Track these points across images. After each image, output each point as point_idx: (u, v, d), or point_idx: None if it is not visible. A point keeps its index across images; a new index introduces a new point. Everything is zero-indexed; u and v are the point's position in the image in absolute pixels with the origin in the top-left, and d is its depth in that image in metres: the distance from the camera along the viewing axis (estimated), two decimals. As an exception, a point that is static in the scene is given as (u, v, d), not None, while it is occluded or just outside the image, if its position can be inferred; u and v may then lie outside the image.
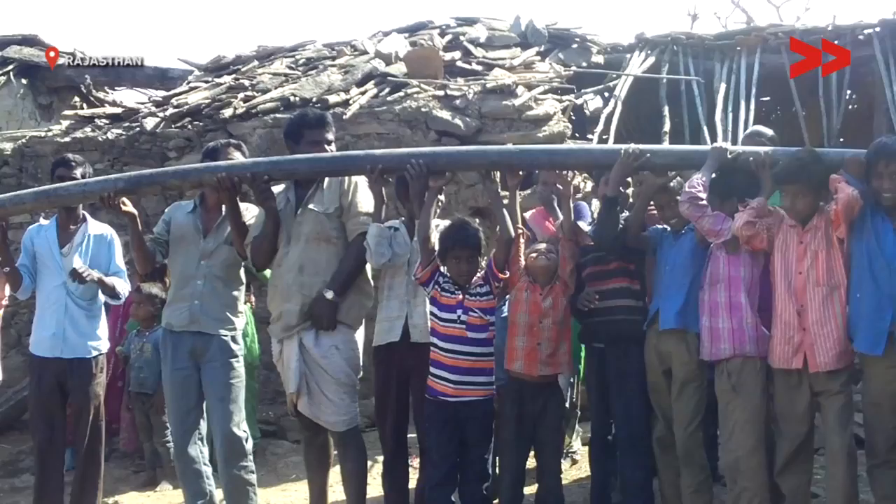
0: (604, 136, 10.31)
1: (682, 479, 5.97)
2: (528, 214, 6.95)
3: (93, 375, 6.89)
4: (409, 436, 6.40)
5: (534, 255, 6.09)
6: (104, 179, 6.69)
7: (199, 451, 6.62)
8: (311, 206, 6.34)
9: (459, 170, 6.41)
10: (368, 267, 6.36)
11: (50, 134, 10.99)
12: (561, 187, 6.15)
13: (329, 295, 6.17)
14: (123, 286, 6.96)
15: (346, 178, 6.36)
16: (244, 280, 6.74)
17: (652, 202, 6.11)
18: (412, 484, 6.43)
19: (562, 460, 6.59)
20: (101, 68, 14.15)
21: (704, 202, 5.64)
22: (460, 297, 5.95)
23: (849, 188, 5.31)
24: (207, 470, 6.64)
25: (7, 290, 7.19)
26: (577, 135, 10.67)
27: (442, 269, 6.00)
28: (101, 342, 6.97)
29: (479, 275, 6.04)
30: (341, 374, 6.21)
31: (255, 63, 12.37)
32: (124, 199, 6.39)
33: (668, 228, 6.07)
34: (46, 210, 6.82)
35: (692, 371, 5.87)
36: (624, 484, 6.22)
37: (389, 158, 6.24)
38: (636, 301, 6.20)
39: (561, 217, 6.17)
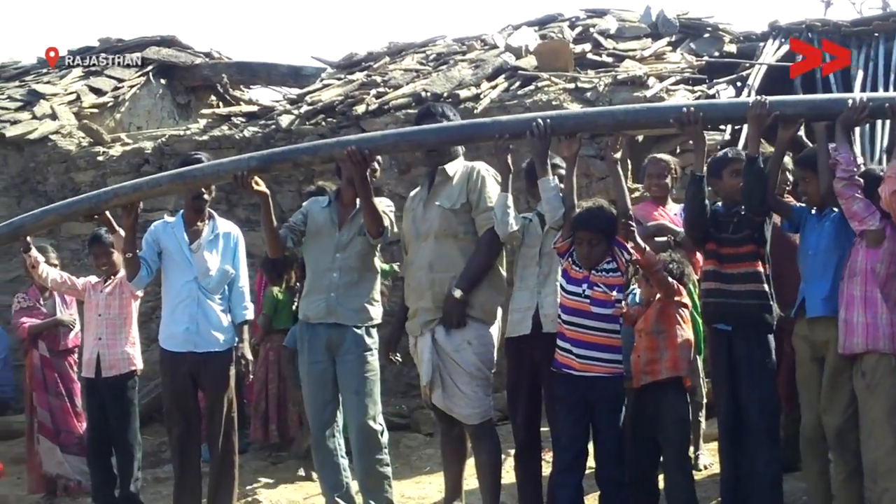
0: (736, 127, 10.15)
1: (834, 467, 5.85)
2: (635, 206, 6.85)
3: (225, 368, 7.02)
4: (542, 429, 6.41)
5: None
6: (237, 159, 6.84)
7: (337, 443, 6.69)
8: (437, 202, 6.39)
9: (586, 130, 6.31)
10: (503, 261, 6.38)
11: (188, 132, 11.24)
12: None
13: (457, 293, 6.21)
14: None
15: (474, 173, 6.40)
16: (379, 270, 6.81)
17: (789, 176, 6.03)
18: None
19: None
20: (236, 67, 14.42)
21: (861, 183, 5.52)
22: (587, 271, 5.94)
23: None
24: (344, 462, 6.71)
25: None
26: (709, 126, 10.52)
27: None
28: (233, 336, 7.09)
29: None
30: (473, 368, 6.25)
31: (387, 59, 12.46)
32: (257, 179, 6.50)
33: (813, 210, 5.94)
34: (182, 193, 6.96)
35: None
36: (755, 479, 6.04)
37: (516, 123, 6.23)
38: (766, 286, 6.06)
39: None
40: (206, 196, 7.06)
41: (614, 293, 5.94)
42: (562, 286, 5.99)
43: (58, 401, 8.48)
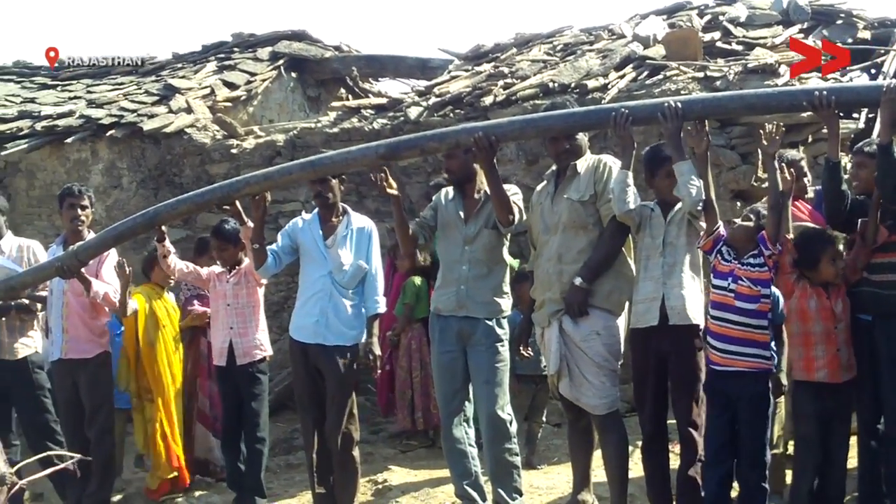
0: (870, 115, 9.95)
1: None
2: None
3: (349, 362, 7.10)
4: (668, 421, 6.39)
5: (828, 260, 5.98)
6: (366, 147, 6.92)
7: (465, 432, 6.76)
8: (566, 195, 6.41)
9: (715, 115, 6.21)
10: (631, 252, 6.37)
11: (319, 125, 11.38)
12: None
13: (577, 281, 6.23)
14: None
15: (601, 165, 6.42)
16: (509, 262, 6.84)
17: None
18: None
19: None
20: (365, 60, 14.56)
21: None
22: (734, 265, 5.91)
23: None
24: (473, 451, 6.77)
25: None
26: (841, 114, 10.33)
27: (723, 232, 5.97)
28: (360, 333, 7.16)
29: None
30: (600, 359, 6.27)
31: (514, 50, 12.48)
32: (389, 181, 6.57)
33: None
34: (312, 180, 7.06)
35: None
36: (893, 478, 5.98)
37: (643, 108, 6.21)
38: None
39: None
40: (329, 195, 7.15)
41: (760, 289, 5.89)
42: (711, 282, 6.01)
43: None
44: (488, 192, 6.58)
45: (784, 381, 6.34)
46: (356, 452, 7.18)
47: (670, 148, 6.00)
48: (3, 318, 7.85)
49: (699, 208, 5.94)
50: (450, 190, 6.92)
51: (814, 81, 9.61)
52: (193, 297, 8.64)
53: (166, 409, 8.20)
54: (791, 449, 7.05)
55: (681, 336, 6.04)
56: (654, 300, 6.11)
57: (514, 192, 6.64)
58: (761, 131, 5.95)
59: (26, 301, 7.94)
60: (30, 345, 7.97)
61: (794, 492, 6.10)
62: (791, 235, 5.99)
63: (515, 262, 8.00)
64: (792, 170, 6.12)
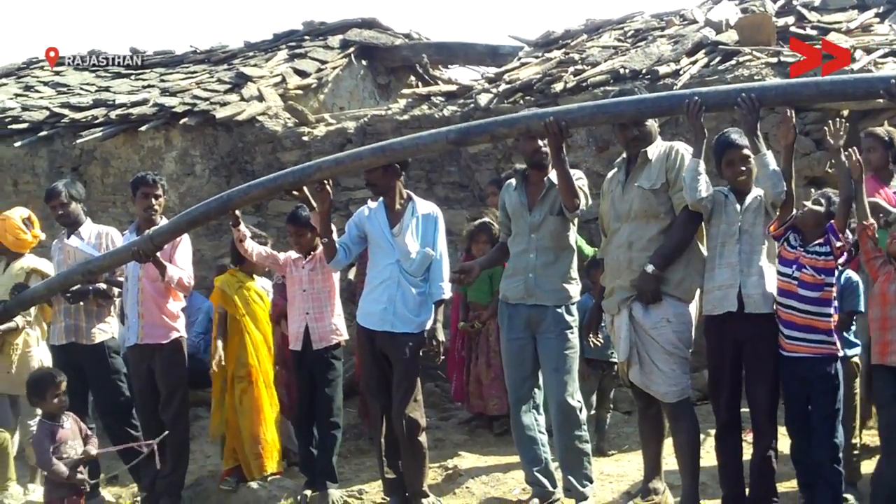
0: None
1: None
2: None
3: (416, 349, 7.11)
4: (742, 410, 6.34)
5: None
6: (436, 132, 6.98)
7: (534, 418, 6.77)
8: (636, 183, 6.37)
9: (790, 103, 6.15)
10: (703, 240, 6.32)
11: (389, 112, 11.41)
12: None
13: (649, 269, 6.19)
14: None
15: (672, 152, 6.36)
16: (576, 248, 6.82)
17: None
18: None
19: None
20: (434, 47, 14.56)
21: None
22: (799, 252, 5.90)
23: None
24: (543, 438, 6.78)
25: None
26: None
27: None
28: (427, 320, 7.16)
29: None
30: (671, 346, 6.23)
31: (584, 36, 12.41)
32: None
33: None
34: (381, 165, 7.06)
35: None
36: None
37: (715, 95, 6.17)
38: None
39: None
40: (378, 183, 7.14)
41: (823, 277, 5.86)
42: (777, 269, 6.00)
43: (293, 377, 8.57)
44: (552, 178, 6.57)
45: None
46: (423, 438, 7.17)
47: (749, 141, 5.95)
48: (82, 303, 7.99)
49: (782, 198, 5.90)
50: (512, 182, 6.92)
51: (889, 66, 9.49)
52: (278, 286, 8.46)
53: (222, 395, 8.21)
54: (865, 439, 7.00)
55: (757, 324, 6.02)
56: (731, 287, 6.06)
57: (578, 176, 6.62)
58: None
59: (104, 286, 8.07)
60: (106, 330, 8.12)
61: (880, 480, 5.95)
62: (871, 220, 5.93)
63: (591, 251, 7.99)
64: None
